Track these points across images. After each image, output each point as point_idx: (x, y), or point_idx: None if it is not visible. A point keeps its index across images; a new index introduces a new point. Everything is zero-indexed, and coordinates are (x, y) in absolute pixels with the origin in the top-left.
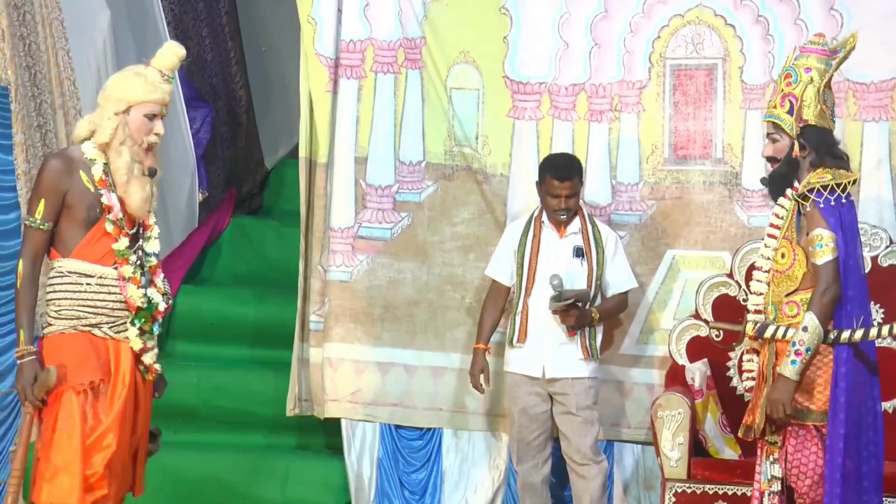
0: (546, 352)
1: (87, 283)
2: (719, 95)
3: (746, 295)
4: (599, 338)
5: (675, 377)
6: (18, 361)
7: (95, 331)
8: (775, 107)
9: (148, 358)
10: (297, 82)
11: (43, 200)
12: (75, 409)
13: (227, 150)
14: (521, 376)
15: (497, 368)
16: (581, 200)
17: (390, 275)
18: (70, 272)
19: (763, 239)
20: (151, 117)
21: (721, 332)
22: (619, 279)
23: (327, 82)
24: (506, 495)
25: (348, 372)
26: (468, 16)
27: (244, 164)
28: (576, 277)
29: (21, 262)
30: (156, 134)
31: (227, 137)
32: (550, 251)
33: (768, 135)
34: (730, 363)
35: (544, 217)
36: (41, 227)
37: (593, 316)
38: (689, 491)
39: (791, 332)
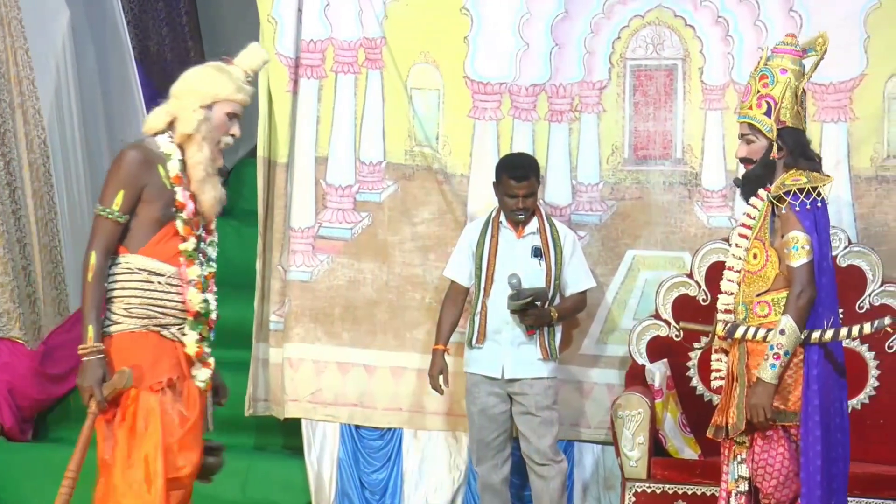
0: (505, 352)
1: (158, 282)
2: (679, 96)
3: (706, 295)
4: (558, 338)
5: (635, 377)
6: (85, 359)
7: (164, 332)
8: (751, 108)
9: (202, 374)
10: (256, 82)
11: (122, 192)
12: (154, 407)
13: None
14: (481, 377)
15: (456, 369)
16: (540, 200)
17: (350, 275)
18: (140, 269)
19: (731, 239)
20: (232, 117)
21: (682, 331)
22: (577, 278)
23: (287, 82)
24: (466, 495)
25: (308, 372)
26: (428, 16)
27: None
28: (534, 277)
29: (93, 255)
30: (231, 135)
31: None
32: (508, 251)
33: (742, 136)
34: (690, 363)
35: (502, 217)
36: (119, 219)
37: (552, 315)
38: (648, 491)
39: (762, 332)
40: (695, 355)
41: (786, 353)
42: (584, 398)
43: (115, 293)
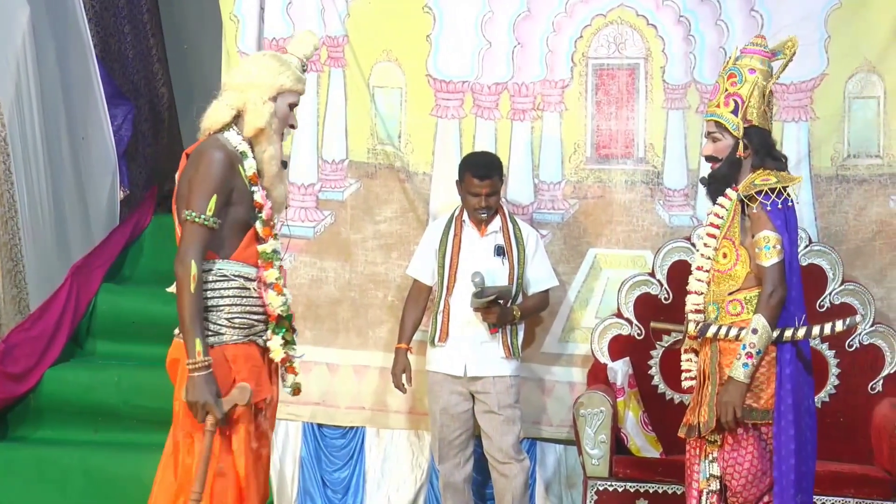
0: (467, 350)
1: (252, 289)
2: (641, 95)
3: (668, 294)
4: (521, 336)
5: (597, 375)
6: (195, 374)
7: (258, 340)
8: (718, 106)
9: (289, 379)
10: (219, 80)
11: (215, 196)
12: (267, 430)
13: (149, 147)
14: (443, 375)
15: (419, 367)
16: (503, 199)
17: (313, 273)
18: (235, 275)
19: (694, 238)
20: (293, 107)
21: (652, 330)
22: (539, 277)
23: None
24: (428, 494)
25: None
26: (391, 14)
27: (166, 162)
28: (497, 276)
29: (193, 263)
30: (292, 126)
31: (148, 135)
32: (471, 250)
33: (709, 134)
34: (651, 362)
35: (465, 216)
36: (214, 225)
37: (515, 314)
38: (610, 489)
39: (734, 330)
40: (657, 354)
41: (758, 353)
42: (546, 396)
43: (213, 302)
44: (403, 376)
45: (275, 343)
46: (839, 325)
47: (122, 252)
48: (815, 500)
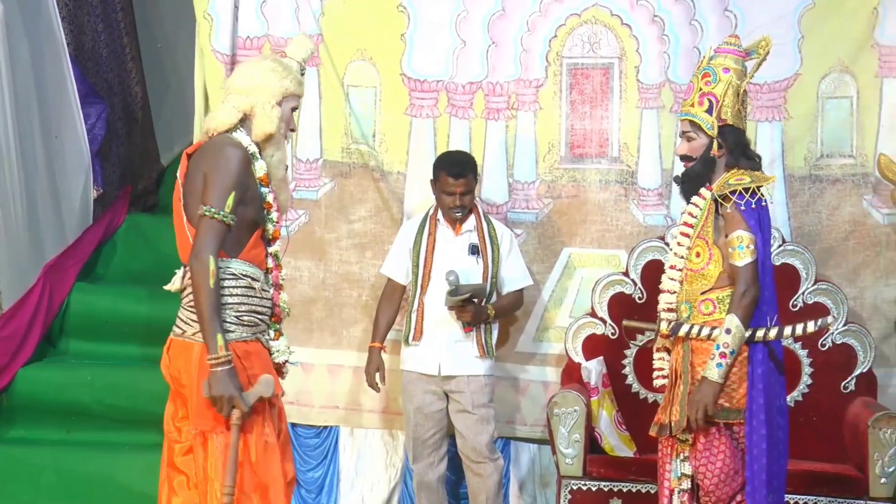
0: (441, 349)
1: (256, 288)
2: (615, 95)
3: (642, 293)
4: (495, 335)
5: (571, 375)
6: (218, 369)
7: (262, 339)
8: (692, 105)
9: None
10: (193, 79)
11: (234, 193)
12: (257, 423)
13: (123, 146)
14: (417, 374)
15: (393, 367)
16: (477, 198)
17: (287, 272)
18: (243, 275)
19: (668, 237)
20: (294, 111)
21: (626, 329)
22: (514, 276)
23: (223, 79)
24: (402, 493)
25: None
26: (365, 13)
27: (139, 161)
28: (471, 275)
29: (211, 259)
30: (292, 130)
31: (122, 134)
32: (446, 249)
33: (683, 133)
34: (625, 361)
35: (439, 215)
36: (231, 221)
37: (489, 313)
38: (584, 488)
39: (706, 330)
40: (630, 353)
41: (732, 353)
42: (520, 396)
43: (222, 300)
44: (377, 375)
45: (280, 344)
46: (811, 326)
47: (96, 251)
48: (787, 499)
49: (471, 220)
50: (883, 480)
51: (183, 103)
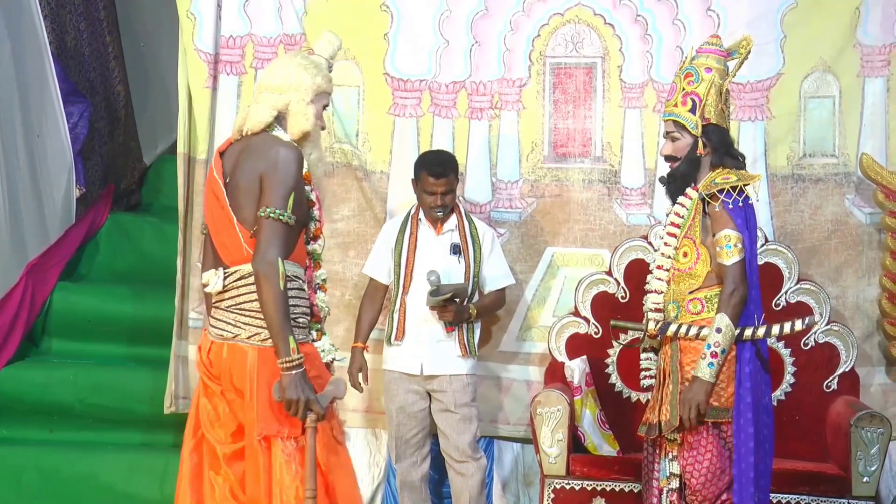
0: (424, 349)
1: (304, 289)
2: (598, 94)
3: (625, 292)
4: (477, 335)
5: (555, 374)
6: (293, 372)
7: (309, 339)
8: (676, 105)
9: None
10: (176, 78)
11: (293, 194)
12: (326, 425)
13: (105, 145)
14: (400, 374)
15: (376, 366)
16: (460, 198)
17: None
18: (294, 276)
19: (651, 237)
20: (324, 108)
21: (612, 329)
22: (496, 275)
23: (206, 78)
24: (385, 493)
25: None
26: (348, 12)
27: (122, 160)
28: (453, 274)
29: (280, 261)
30: (322, 128)
31: (104, 133)
32: (428, 248)
33: (667, 133)
34: (609, 360)
35: (421, 215)
36: (293, 223)
37: (471, 312)
38: (567, 487)
39: (694, 329)
40: (614, 352)
41: (722, 352)
42: (503, 395)
43: None
44: (360, 375)
45: (325, 343)
46: (798, 325)
47: (78, 250)
48: (771, 497)
49: (452, 220)
50: (865, 479)
51: (165, 102)
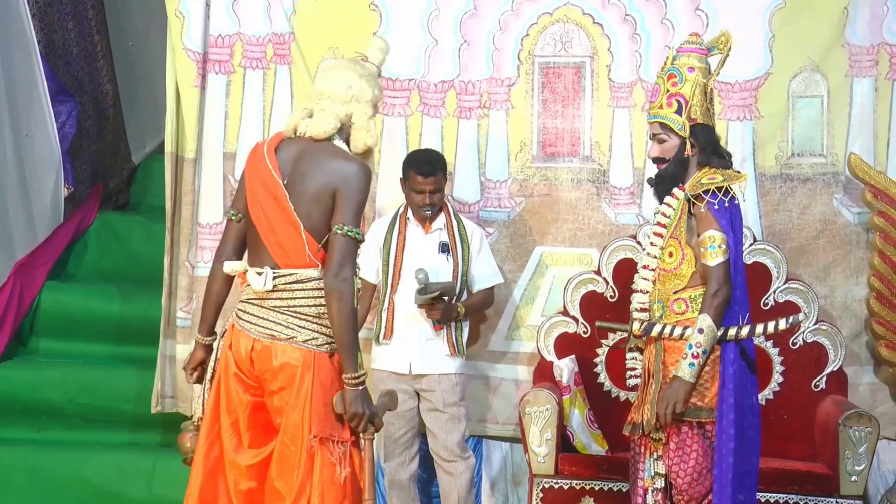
0: (412, 348)
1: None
2: (587, 93)
3: (614, 292)
4: (466, 334)
5: (543, 373)
6: (361, 387)
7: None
8: (661, 107)
9: None
10: (164, 77)
11: (363, 212)
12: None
13: (94, 144)
14: (388, 373)
15: (365, 365)
16: (448, 197)
17: None
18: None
19: (639, 236)
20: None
21: (599, 330)
22: (484, 274)
23: (195, 77)
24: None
25: None
26: (337, 11)
27: (111, 159)
28: (441, 273)
29: (355, 279)
30: None
31: (93, 132)
32: (416, 247)
33: (654, 135)
34: (597, 359)
35: (409, 213)
36: (363, 241)
37: (459, 311)
38: (556, 486)
39: (678, 329)
40: (602, 352)
41: (704, 352)
42: (492, 394)
43: (326, 313)
44: None
45: None
46: (782, 324)
47: (67, 250)
48: (759, 496)
49: (441, 219)
50: (853, 478)
51: (154, 101)
